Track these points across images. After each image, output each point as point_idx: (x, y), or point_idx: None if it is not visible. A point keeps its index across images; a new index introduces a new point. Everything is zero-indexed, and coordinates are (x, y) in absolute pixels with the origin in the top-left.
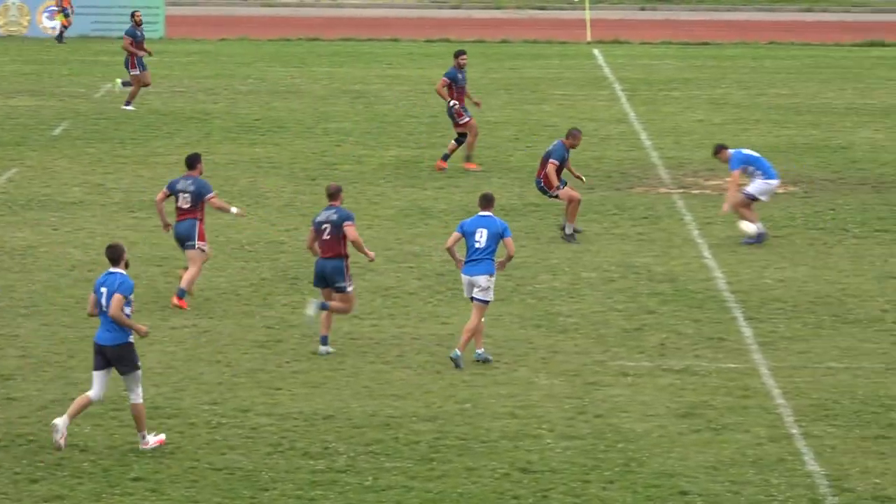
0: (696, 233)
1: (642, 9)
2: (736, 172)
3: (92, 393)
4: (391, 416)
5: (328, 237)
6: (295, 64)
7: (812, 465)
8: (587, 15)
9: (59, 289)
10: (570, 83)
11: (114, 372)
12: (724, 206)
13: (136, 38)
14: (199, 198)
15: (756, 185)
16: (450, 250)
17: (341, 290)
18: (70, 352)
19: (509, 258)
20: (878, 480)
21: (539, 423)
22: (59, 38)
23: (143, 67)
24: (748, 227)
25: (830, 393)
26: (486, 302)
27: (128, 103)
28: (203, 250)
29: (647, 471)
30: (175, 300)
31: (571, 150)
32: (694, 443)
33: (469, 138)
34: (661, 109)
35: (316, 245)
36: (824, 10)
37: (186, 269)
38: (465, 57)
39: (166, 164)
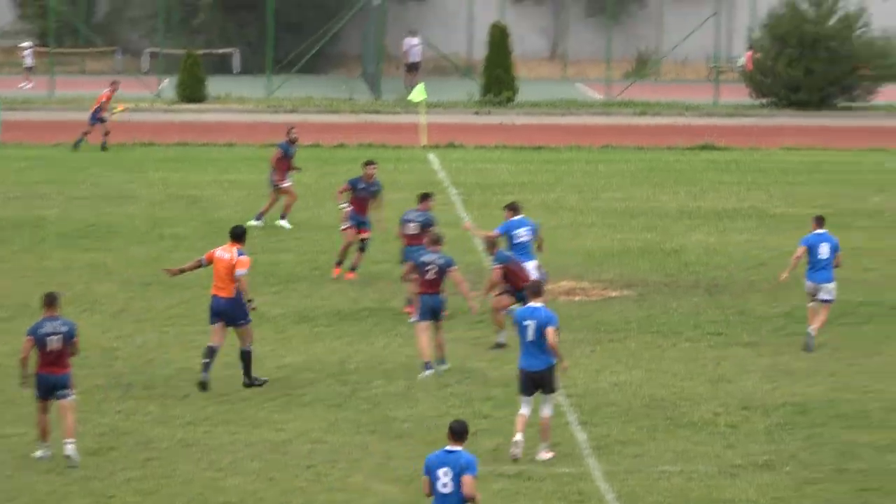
0: None
1: (476, 113)
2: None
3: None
4: None
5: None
6: (130, 169)
7: None
8: (422, 119)
9: None
10: (405, 187)
11: None
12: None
13: (287, 152)
14: None
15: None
16: None
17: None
18: None
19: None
20: None
21: None
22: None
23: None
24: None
25: (664, 496)
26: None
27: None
28: None
29: None
30: None
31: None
32: None
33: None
34: (496, 213)
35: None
36: (657, 114)
37: None
38: (373, 167)
39: (0, 272)
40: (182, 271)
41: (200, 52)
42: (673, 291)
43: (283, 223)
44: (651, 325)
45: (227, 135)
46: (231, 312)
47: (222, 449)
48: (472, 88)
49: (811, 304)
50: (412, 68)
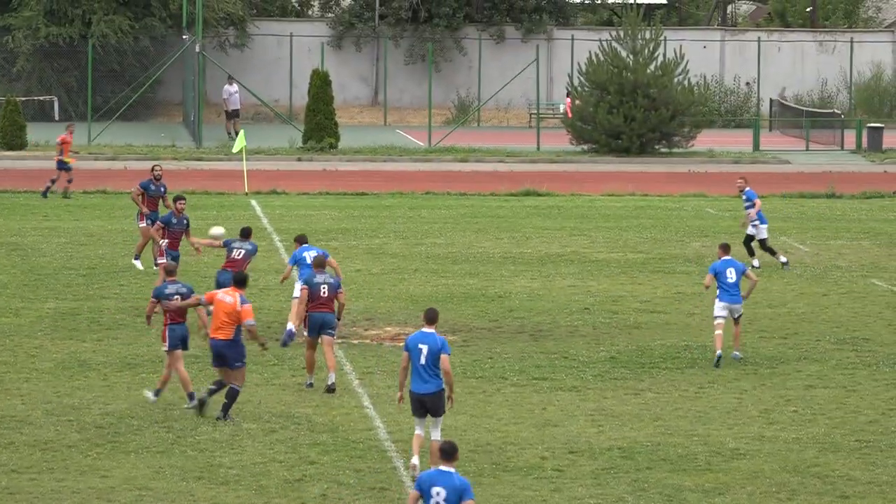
0: (356, 382)
1: (299, 159)
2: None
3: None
4: None
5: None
6: None
7: None
8: (244, 166)
9: None
10: (228, 234)
11: None
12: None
13: (148, 191)
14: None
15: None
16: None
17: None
18: None
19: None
20: None
21: None
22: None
23: (151, 221)
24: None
25: None
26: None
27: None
28: None
29: None
30: None
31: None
32: None
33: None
34: None
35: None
36: (479, 160)
37: None
38: (182, 202)
39: None
40: (181, 308)
41: (20, 98)
42: (497, 337)
43: (137, 263)
44: (476, 370)
45: (48, 182)
46: (227, 354)
47: (48, 497)
48: (294, 135)
49: (718, 331)
50: (232, 115)
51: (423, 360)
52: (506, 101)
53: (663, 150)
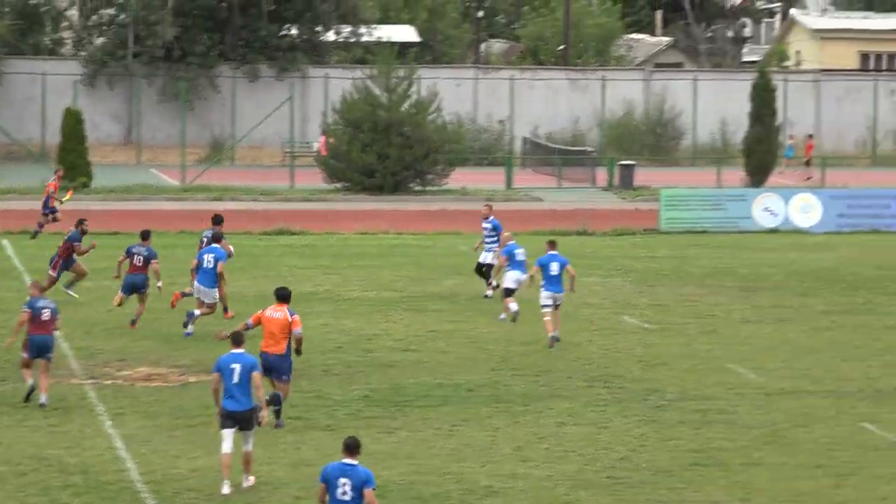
0: (108, 423)
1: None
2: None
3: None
4: None
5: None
6: None
7: None
8: None
9: None
10: None
11: None
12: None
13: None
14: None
15: None
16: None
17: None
18: None
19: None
20: None
21: None
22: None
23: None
24: None
25: None
26: None
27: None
28: None
29: None
30: None
31: None
32: None
33: None
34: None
35: None
36: (233, 199)
37: None
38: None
39: None
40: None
41: None
42: None
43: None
44: None
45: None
46: (278, 367)
47: None
48: (46, 174)
49: (547, 318)
50: None
51: (235, 379)
52: (260, 140)
53: (417, 188)
